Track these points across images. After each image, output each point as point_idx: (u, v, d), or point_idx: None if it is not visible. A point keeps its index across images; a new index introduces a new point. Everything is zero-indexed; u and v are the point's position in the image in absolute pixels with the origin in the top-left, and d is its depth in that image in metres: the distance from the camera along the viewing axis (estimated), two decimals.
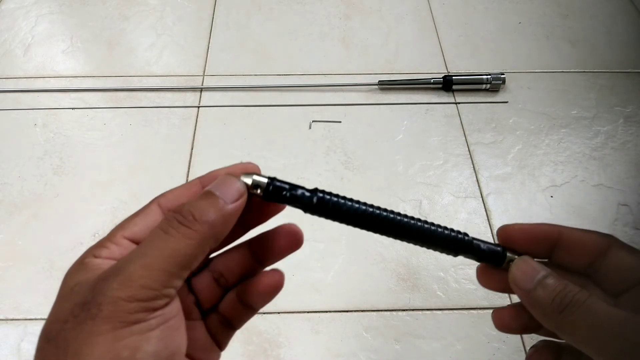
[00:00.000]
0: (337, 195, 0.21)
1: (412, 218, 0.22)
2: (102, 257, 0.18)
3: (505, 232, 0.23)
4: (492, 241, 0.24)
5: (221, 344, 0.22)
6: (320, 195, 0.21)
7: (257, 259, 0.23)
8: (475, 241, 0.22)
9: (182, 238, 0.17)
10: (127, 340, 0.16)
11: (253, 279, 0.22)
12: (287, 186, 0.21)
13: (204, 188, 0.20)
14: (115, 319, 0.16)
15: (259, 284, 0.21)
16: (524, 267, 0.22)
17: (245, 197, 0.19)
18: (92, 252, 0.19)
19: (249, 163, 0.21)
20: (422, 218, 0.22)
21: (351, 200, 0.22)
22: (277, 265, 0.23)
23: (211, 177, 0.20)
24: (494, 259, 0.23)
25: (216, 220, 0.18)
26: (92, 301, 0.16)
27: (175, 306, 0.18)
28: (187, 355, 0.19)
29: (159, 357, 0.16)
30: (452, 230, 0.22)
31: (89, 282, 0.17)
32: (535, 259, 0.23)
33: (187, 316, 0.19)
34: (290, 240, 0.23)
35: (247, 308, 0.22)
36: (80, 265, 0.18)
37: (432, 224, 0.22)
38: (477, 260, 0.23)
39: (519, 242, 0.23)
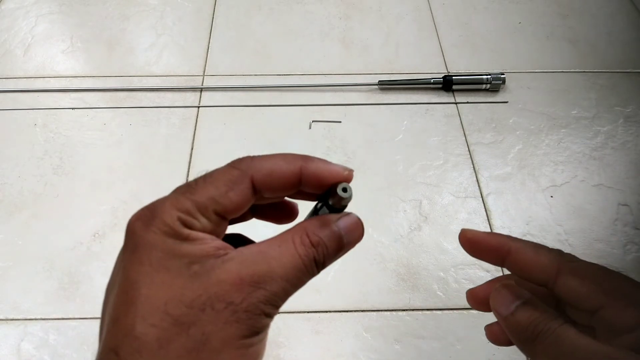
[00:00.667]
0: None
1: None
2: (197, 229, 0.18)
3: (464, 235, 0.24)
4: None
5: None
6: None
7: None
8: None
9: (305, 264, 0.18)
10: (254, 347, 0.18)
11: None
12: None
13: (302, 173, 0.19)
14: (251, 326, 0.17)
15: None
16: (504, 293, 0.22)
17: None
18: (183, 219, 0.18)
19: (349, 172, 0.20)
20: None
21: None
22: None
23: (317, 167, 0.19)
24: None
25: (327, 264, 0.20)
26: (238, 304, 0.17)
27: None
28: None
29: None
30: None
31: (218, 272, 0.17)
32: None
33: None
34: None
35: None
36: (175, 232, 0.18)
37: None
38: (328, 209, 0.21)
39: (474, 248, 0.24)
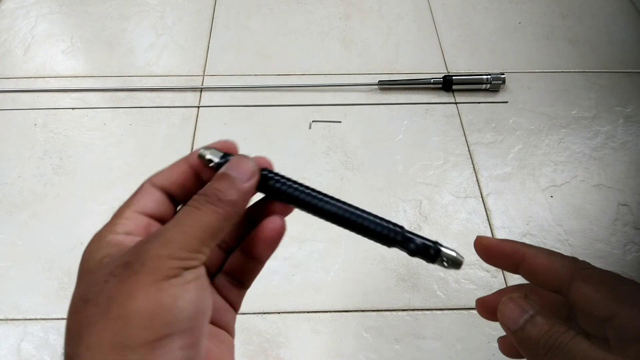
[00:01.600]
0: (277, 175, 0.23)
1: (351, 206, 0.23)
2: (120, 233, 0.20)
3: (480, 242, 0.25)
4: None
5: (235, 305, 0.24)
6: (265, 173, 0.22)
7: (254, 221, 0.24)
8: (408, 234, 0.22)
9: (212, 213, 0.19)
10: (169, 290, 0.17)
11: (255, 230, 0.23)
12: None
13: (190, 166, 0.22)
14: (158, 272, 0.17)
15: (262, 231, 0.22)
16: (511, 307, 0.22)
17: (258, 175, 0.21)
18: (107, 229, 0.20)
19: (226, 141, 0.23)
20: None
21: (294, 182, 0.23)
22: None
23: (194, 156, 0.22)
24: (426, 254, 0.22)
25: (238, 198, 0.20)
26: (135, 260, 0.18)
27: (204, 270, 0.19)
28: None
29: (196, 306, 0.18)
30: (389, 222, 0.22)
31: (121, 251, 0.19)
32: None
33: None
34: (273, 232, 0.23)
35: (254, 261, 0.24)
36: (99, 243, 0.20)
37: (370, 213, 0.22)
38: (410, 254, 0.22)
39: (488, 255, 0.25)
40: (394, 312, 0.52)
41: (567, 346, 0.19)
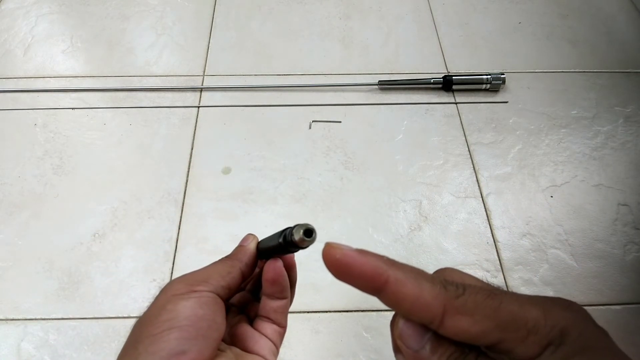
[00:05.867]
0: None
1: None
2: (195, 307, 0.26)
3: (331, 254, 0.19)
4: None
5: (274, 341, 0.29)
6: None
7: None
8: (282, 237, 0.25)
9: (226, 265, 0.28)
10: (173, 299, 0.24)
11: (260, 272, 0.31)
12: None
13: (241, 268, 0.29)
14: (170, 292, 0.25)
15: (264, 273, 0.29)
16: (412, 326, 0.19)
17: (252, 255, 0.30)
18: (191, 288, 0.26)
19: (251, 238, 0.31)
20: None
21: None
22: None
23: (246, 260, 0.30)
24: (284, 238, 0.25)
25: (245, 261, 0.29)
26: (168, 287, 0.26)
27: (212, 295, 0.25)
28: (246, 349, 0.27)
29: (194, 312, 0.24)
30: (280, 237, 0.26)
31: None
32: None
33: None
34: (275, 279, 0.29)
35: (270, 298, 0.30)
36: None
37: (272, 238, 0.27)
38: (287, 248, 0.25)
39: (342, 272, 0.19)
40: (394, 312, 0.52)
41: None
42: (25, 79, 0.73)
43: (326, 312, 0.52)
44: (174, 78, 0.73)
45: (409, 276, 0.19)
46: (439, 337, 0.18)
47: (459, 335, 0.18)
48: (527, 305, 0.18)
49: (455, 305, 0.18)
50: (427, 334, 0.18)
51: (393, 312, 0.21)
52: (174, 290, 0.25)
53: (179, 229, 0.58)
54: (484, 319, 0.18)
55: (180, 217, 0.59)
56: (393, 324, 0.20)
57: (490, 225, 0.59)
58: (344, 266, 0.19)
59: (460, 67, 0.75)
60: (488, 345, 0.18)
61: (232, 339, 0.28)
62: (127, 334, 0.24)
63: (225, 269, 0.27)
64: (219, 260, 0.28)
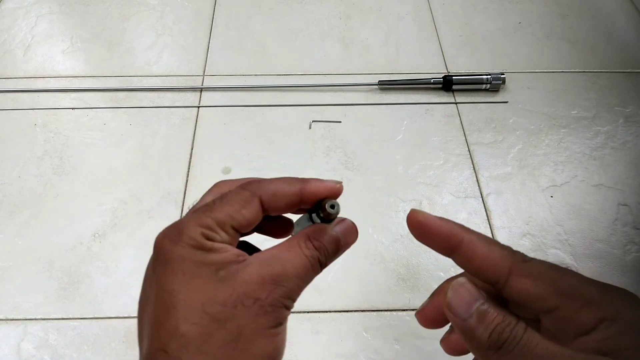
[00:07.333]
0: None
1: None
2: (217, 242, 0.21)
3: (415, 217, 0.22)
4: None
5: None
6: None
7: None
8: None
9: (311, 265, 0.22)
10: (276, 337, 0.21)
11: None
12: None
13: (302, 193, 0.22)
14: (274, 317, 0.20)
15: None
16: (462, 292, 0.20)
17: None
18: (205, 233, 0.21)
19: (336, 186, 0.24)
20: None
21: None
22: None
23: (315, 186, 0.23)
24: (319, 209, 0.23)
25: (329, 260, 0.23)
26: (263, 298, 0.20)
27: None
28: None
29: (283, 347, 0.21)
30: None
31: (242, 275, 0.20)
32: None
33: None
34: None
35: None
36: (200, 245, 0.20)
37: None
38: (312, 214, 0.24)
39: (422, 233, 0.22)
40: (394, 312, 0.52)
41: (521, 341, 0.18)
42: (25, 79, 0.73)
43: (326, 312, 0.52)
44: (174, 78, 0.73)
45: (481, 239, 0.21)
46: (486, 309, 0.19)
47: (521, 296, 0.20)
48: (586, 281, 0.20)
49: (520, 267, 0.20)
50: (475, 304, 0.19)
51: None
52: (276, 315, 0.21)
53: None
54: (545, 284, 0.19)
55: (180, 217, 0.59)
56: (441, 293, 0.22)
57: (490, 225, 0.59)
58: (425, 227, 0.22)
59: (460, 67, 0.75)
60: (545, 311, 0.19)
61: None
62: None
63: (303, 264, 0.22)
64: (311, 247, 0.22)
